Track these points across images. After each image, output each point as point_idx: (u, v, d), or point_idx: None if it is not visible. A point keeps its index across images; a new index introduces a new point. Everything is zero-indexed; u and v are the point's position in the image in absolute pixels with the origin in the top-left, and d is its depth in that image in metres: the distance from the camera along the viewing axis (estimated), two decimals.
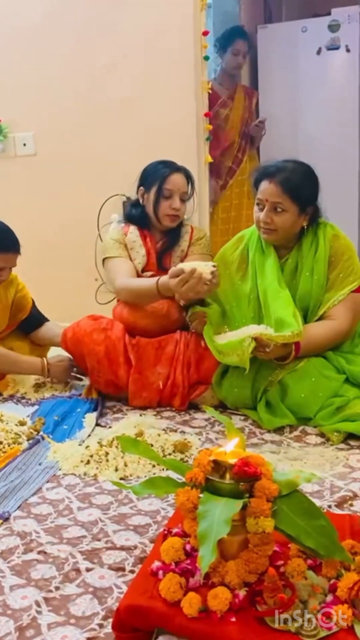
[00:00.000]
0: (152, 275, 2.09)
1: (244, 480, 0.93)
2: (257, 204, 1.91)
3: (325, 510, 1.30)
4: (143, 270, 2.13)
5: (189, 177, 2.15)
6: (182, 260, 2.15)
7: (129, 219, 2.22)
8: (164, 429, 1.79)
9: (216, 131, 3.28)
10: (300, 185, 1.85)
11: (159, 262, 2.15)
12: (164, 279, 1.88)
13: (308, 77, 3.69)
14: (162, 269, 2.11)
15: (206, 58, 2.67)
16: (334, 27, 3.62)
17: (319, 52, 3.67)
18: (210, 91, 2.73)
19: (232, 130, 3.31)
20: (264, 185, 1.87)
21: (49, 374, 2.15)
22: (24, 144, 2.94)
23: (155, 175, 2.12)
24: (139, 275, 2.12)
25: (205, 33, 2.63)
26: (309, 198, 1.89)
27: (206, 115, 2.70)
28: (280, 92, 3.73)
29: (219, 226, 3.31)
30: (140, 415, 1.93)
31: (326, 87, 3.69)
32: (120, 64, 2.71)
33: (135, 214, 2.19)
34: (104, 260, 2.19)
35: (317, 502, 1.30)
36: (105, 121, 2.78)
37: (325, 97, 3.67)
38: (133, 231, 2.16)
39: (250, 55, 3.52)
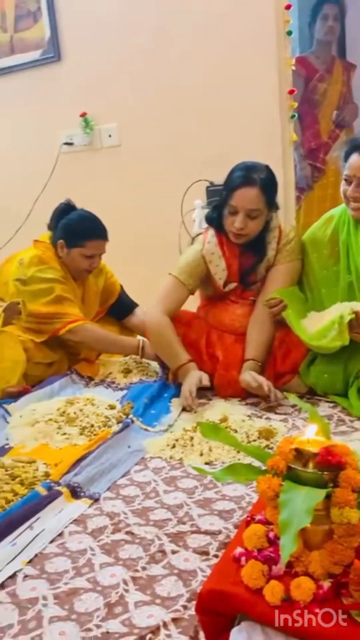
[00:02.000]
0: (235, 288, 2.03)
1: (328, 469, 0.91)
2: (345, 179, 1.83)
3: None
4: (225, 284, 2.02)
5: (265, 190, 1.87)
6: (267, 271, 2.00)
7: (207, 221, 2.06)
8: (248, 415, 1.78)
9: (311, 109, 3.21)
10: None
11: (243, 279, 2.02)
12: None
13: None
14: (245, 284, 2.04)
15: (289, 33, 2.58)
16: None
17: None
18: (294, 67, 2.65)
19: (330, 106, 3.22)
20: (353, 158, 1.79)
21: (144, 354, 2.22)
22: (109, 135, 3.01)
23: (227, 184, 1.92)
24: (219, 291, 2.04)
25: (287, 7, 2.55)
26: None
27: (290, 92, 2.62)
28: None
29: (315, 206, 3.22)
30: (226, 400, 1.92)
31: None
32: (199, 47, 2.69)
33: (213, 217, 2.01)
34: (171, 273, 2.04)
35: None
36: (186, 106, 2.78)
37: None
38: (211, 240, 2.00)
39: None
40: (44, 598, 1.03)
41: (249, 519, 1.05)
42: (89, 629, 0.95)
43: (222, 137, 2.69)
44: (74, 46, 3.01)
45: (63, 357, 2.30)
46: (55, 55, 3.04)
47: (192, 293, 2.06)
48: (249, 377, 1.84)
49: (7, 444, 1.69)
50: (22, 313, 2.08)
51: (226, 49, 2.63)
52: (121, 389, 2.11)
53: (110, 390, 2.12)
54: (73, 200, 2.31)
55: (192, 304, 2.21)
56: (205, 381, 1.86)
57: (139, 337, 2.28)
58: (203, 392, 2.02)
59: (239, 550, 0.97)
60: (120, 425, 1.76)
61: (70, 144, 3.09)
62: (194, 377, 1.87)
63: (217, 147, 2.67)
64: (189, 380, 1.87)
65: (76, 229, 2.22)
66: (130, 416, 1.83)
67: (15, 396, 1.97)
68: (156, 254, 2.92)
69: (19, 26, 3.11)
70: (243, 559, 0.95)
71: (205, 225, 2.12)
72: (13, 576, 1.09)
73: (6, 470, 1.41)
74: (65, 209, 2.27)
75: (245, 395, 1.94)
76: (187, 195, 2.76)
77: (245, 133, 2.62)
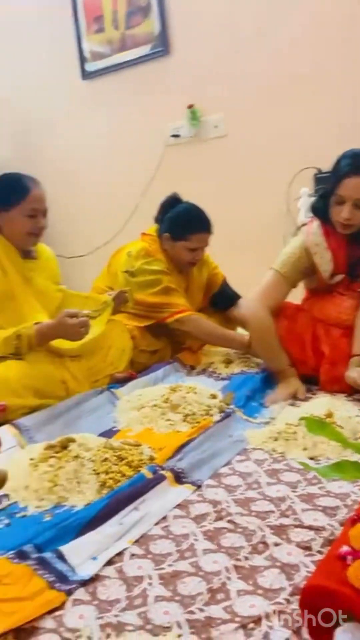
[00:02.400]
0: (342, 280, 1.97)
1: None
2: None
3: None
4: (331, 276, 1.98)
5: None
6: None
7: (313, 211, 2.01)
8: (357, 415, 1.72)
9: None
10: None
11: (351, 270, 1.97)
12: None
13: None
14: (353, 276, 1.97)
15: None
16: None
17: None
18: None
19: None
20: None
21: (250, 351, 2.22)
22: (215, 126, 3.01)
23: (335, 172, 1.86)
24: (324, 283, 2.00)
25: None
26: None
27: None
28: None
29: None
30: (331, 395, 1.87)
31: None
32: (307, 33, 2.62)
33: (319, 208, 1.96)
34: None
35: None
36: (293, 93, 2.72)
37: None
38: (316, 231, 1.96)
39: None
40: (149, 577, 1.07)
41: (355, 517, 1.02)
42: (192, 612, 0.97)
43: (331, 122, 2.60)
44: (182, 39, 3.04)
45: (167, 345, 2.36)
46: (164, 49, 3.09)
47: (294, 286, 2.03)
48: (356, 373, 1.78)
49: (114, 427, 1.77)
50: (130, 301, 2.15)
51: (335, 31, 2.54)
52: (222, 379, 2.13)
53: (211, 379, 2.15)
54: (178, 191, 2.35)
55: (297, 296, 2.17)
56: (301, 395, 1.89)
57: (243, 332, 2.28)
58: (307, 386, 1.98)
59: (344, 548, 0.95)
60: (222, 414, 1.77)
61: (177, 136, 3.14)
62: (291, 388, 1.91)
63: (325, 133, 2.59)
64: (287, 389, 1.92)
65: (181, 223, 2.25)
66: (232, 406, 1.83)
67: (122, 381, 2.05)
68: (261, 244, 2.89)
69: (130, 23, 3.20)
70: (349, 558, 0.92)
71: (310, 214, 2.07)
72: (120, 554, 1.15)
73: (114, 452, 1.48)
74: (172, 202, 2.32)
75: (352, 391, 1.88)
76: (295, 183, 2.70)
77: (355, 118, 2.51)
